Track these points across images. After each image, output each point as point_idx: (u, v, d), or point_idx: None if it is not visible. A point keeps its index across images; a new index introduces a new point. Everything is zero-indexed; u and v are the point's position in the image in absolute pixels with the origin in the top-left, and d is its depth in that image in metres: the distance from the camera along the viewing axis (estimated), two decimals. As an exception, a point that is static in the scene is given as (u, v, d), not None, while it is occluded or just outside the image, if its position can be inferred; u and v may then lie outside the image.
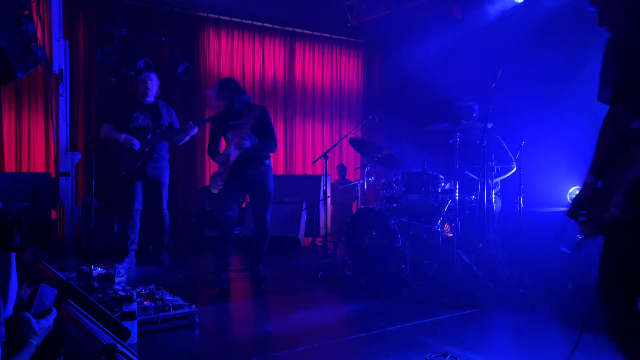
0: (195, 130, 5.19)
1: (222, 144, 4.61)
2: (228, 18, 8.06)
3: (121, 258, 5.20)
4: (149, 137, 5.14)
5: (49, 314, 1.70)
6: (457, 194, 4.44)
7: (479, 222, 4.46)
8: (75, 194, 6.42)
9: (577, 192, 1.93)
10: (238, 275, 4.92)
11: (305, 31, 8.81)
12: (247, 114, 4.39)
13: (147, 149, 5.15)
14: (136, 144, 5.04)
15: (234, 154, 4.34)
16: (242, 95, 4.43)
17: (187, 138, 5.23)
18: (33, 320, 1.62)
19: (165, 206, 5.39)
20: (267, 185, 4.48)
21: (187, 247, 6.50)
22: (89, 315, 1.62)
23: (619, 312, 1.74)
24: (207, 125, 4.89)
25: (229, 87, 4.38)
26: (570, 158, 5.76)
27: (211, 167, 7.89)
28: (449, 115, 4.94)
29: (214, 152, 4.60)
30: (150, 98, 5.20)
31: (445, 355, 2.78)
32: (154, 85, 5.18)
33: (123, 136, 5.01)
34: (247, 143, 4.26)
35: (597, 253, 1.92)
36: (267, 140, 4.44)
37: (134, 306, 2.95)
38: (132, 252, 5.31)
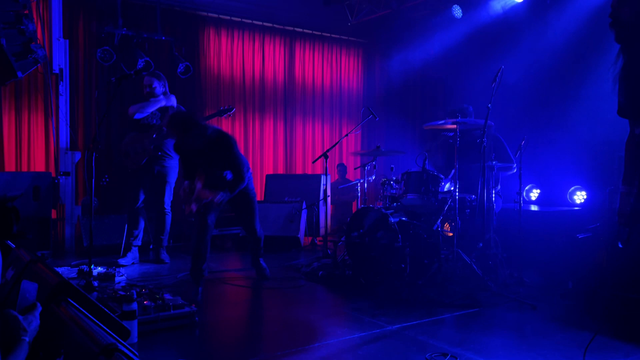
0: None
1: None
2: (228, 17, 8.05)
3: (124, 253, 5.27)
4: (154, 135, 5.20)
5: (33, 308, 1.68)
6: (457, 194, 4.44)
7: (479, 222, 4.46)
8: (75, 194, 6.42)
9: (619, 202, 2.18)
10: (238, 275, 4.92)
11: (305, 30, 8.81)
12: (210, 151, 4.06)
13: (152, 147, 5.20)
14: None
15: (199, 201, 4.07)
16: (195, 131, 4.02)
17: None
18: (20, 317, 1.61)
19: (167, 205, 5.41)
20: (247, 194, 4.37)
21: (187, 247, 6.50)
22: (89, 315, 1.62)
23: None
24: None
25: (178, 128, 4.02)
26: (571, 158, 5.77)
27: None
28: (448, 115, 4.94)
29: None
30: (159, 97, 5.33)
31: (445, 355, 2.79)
32: (156, 86, 5.29)
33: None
34: (218, 199, 4.01)
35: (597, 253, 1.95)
36: (233, 177, 4.13)
37: (134, 306, 2.96)
38: (135, 249, 5.35)
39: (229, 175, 4.13)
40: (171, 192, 5.44)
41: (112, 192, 6.83)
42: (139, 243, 5.37)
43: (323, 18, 8.51)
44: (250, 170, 4.40)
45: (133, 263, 5.30)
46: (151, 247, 5.91)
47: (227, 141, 4.09)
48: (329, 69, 9.15)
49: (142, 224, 5.37)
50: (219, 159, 4.10)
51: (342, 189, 7.78)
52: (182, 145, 4.14)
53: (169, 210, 5.43)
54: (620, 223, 2.20)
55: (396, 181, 4.96)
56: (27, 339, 1.56)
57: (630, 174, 2.16)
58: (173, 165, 5.40)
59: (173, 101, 5.46)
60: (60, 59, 6.33)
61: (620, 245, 2.31)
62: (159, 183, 5.35)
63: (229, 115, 5.46)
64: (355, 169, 7.89)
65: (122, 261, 5.15)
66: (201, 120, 4.16)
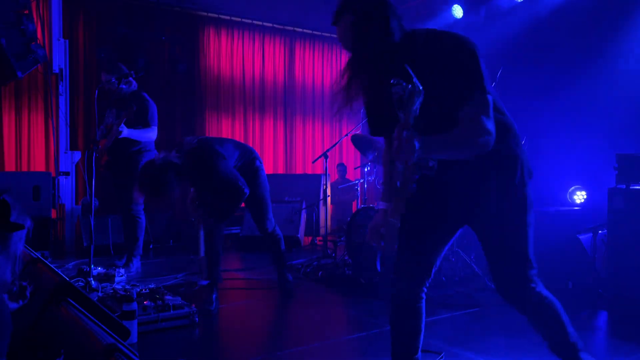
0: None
1: None
2: (228, 17, 8.05)
3: (126, 263, 5.02)
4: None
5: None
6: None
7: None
8: (75, 194, 6.42)
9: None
10: (238, 275, 4.92)
11: (305, 30, 8.81)
12: (196, 183, 3.78)
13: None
14: None
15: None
16: (170, 184, 3.50)
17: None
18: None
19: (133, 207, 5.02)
20: (255, 192, 3.96)
21: (187, 247, 6.50)
22: (89, 315, 1.62)
23: None
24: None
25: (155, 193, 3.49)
26: (571, 157, 5.77)
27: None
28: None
29: None
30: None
31: (438, 353, 2.79)
32: (114, 81, 4.80)
33: None
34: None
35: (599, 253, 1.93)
36: (230, 194, 3.74)
37: (134, 306, 2.95)
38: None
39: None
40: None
41: (112, 192, 6.83)
42: (141, 252, 5.16)
43: (323, 18, 8.49)
44: (260, 159, 4.13)
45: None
46: (151, 246, 5.92)
47: (203, 164, 3.64)
48: (329, 69, 9.15)
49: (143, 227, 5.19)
50: (206, 184, 3.70)
51: (342, 189, 7.78)
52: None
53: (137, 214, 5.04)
54: None
55: (396, 181, 4.95)
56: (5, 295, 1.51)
57: None
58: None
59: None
60: (60, 59, 6.33)
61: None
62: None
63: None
64: (355, 168, 7.90)
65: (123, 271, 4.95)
66: (169, 167, 3.49)
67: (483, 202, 1.91)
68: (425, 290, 2.08)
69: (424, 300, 2.08)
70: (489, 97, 1.75)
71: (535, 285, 1.92)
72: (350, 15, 1.82)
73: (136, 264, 4.97)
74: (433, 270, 2.07)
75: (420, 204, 1.94)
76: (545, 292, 1.94)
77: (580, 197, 5.87)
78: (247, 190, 3.68)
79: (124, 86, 4.81)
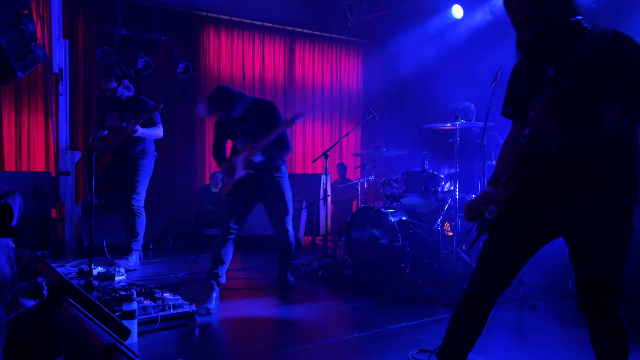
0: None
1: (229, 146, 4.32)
2: (228, 17, 8.05)
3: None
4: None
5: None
6: (457, 193, 4.44)
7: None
8: (75, 193, 6.42)
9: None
10: (238, 275, 4.92)
11: (305, 30, 8.81)
12: (252, 119, 3.96)
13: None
14: None
15: (240, 171, 3.98)
16: (240, 101, 3.91)
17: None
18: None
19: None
20: (282, 193, 4.11)
21: (187, 247, 6.50)
22: (89, 314, 1.62)
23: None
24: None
25: (222, 102, 3.88)
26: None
27: (211, 166, 7.88)
28: (448, 115, 4.94)
29: (218, 156, 4.20)
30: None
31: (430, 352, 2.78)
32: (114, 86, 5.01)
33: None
34: (257, 159, 3.91)
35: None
36: (279, 146, 4.04)
37: (134, 305, 2.95)
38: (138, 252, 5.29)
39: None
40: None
41: (113, 192, 6.84)
42: (140, 248, 5.24)
43: (323, 18, 8.51)
44: (286, 164, 4.26)
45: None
46: (151, 246, 5.92)
47: (274, 108, 4.06)
48: (329, 69, 9.15)
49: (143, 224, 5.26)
50: (265, 128, 3.93)
51: (342, 188, 7.78)
52: (224, 118, 3.99)
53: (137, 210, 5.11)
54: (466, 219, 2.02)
55: (396, 181, 4.96)
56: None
57: (495, 178, 1.99)
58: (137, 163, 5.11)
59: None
60: (60, 59, 6.33)
61: (464, 248, 2.26)
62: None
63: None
64: (355, 168, 7.89)
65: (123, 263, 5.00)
66: (241, 94, 3.96)
67: (595, 215, 1.82)
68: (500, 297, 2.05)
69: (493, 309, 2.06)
70: None
71: (621, 307, 1.92)
72: None
73: (135, 259, 4.99)
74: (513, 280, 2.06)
75: (520, 214, 1.92)
76: (626, 322, 1.94)
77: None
78: (291, 146, 4.13)
79: (124, 90, 5.00)
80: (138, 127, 4.77)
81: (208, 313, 3.59)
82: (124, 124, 4.87)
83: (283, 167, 4.17)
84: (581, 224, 1.86)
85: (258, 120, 3.97)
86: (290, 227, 4.19)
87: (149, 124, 4.95)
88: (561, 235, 1.97)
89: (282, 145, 4.06)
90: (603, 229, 1.82)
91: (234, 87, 4.01)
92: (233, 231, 3.99)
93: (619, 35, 1.76)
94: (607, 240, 1.83)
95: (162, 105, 4.83)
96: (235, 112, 3.90)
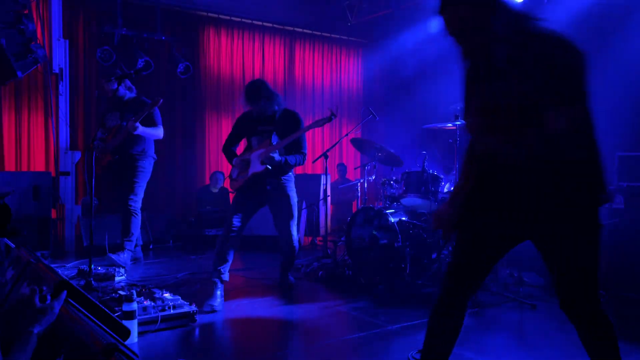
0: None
1: (241, 145, 4.39)
2: (228, 17, 8.05)
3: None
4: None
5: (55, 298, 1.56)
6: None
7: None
8: (75, 194, 6.42)
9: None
10: (238, 275, 4.92)
11: (305, 30, 8.81)
12: (279, 122, 4.06)
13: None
14: None
15: (256, 166, 4.01)
16: (276, 101, 4.08)
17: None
18: (38, 304, 1.52)
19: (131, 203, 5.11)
20: (288, 196, 4.14)
21: (187, 247, 6.50)
22: (89, 315, 1.62)
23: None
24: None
25: (260, 94, 4.00)
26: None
27: (211, 166, 7.88)
28: (448, 115, 4.94)
29: (229, 151, 4.27)
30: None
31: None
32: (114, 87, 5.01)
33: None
34: (276, 157, 3.94)
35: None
36: (296, 153, 4.10)
37: (134, 305, 2.95)
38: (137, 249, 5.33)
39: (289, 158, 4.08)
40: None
41: (112, 192, 6.84)
42: (132, 248, 5.23)
43: (323, 18, 8.51)
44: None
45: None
46: (151, 247, 5.92)
47: (301, 119, 4.20)
48: (329, 69, 9.15)
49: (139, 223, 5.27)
50: (286, 134, 4.02)
51: (342, 188, 7.78)
52: (257, 114, 4.09)
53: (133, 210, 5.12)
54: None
55: (396, 181, 4.96)
56: (35, 330, 1.48)
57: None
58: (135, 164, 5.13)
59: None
60: (60, 59, 6.33)
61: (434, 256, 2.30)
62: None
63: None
64: (355, 168, 7.89)
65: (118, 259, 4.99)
66: (276, 94, 4.16)
67: (555, 217, 1.81)
68: (469, 304, 2.05)
69: (466, 312, 2.05)
70: (586, 107, 1.73)
71: (601, 305, 1.90)
72: (459, 7, 1.79)
73: (127, 257, 4.98)
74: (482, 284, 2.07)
75: (486, 218, 1.93)
76: (608, 316, 1.92)
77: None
78: (306, 155, 4.18)
79: (126, 91, 5.01)
80: (139, 124, 4.78)
81: (212, 310, 3.61)
82: (124, 123, 4.88)
83: (290, 171, 4.20)
84: (544, 228, 1.85)
85: (283, 127, 4.06)
86: (294, 231, 4.20)
87: (150, 123, 4.95)
88: (527, 239, 1.97)
89: (298, 151, 4.13)
90: (567, 230, 1.81)
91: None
92: (235, 229, 3.99)
93: (551, 37, 1.75)
94: (574, 243, 1.83)
95: (161, 100, 4.80)
96: (268, 110, 4.04)
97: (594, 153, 1.81)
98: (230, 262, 4.00)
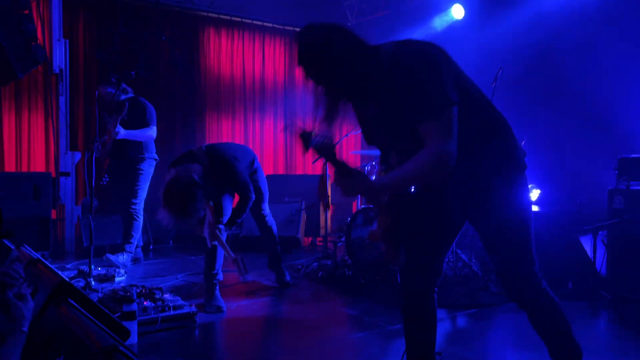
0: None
1: None
2: (228, 17, 8.05)
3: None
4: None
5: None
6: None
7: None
8: (75, 194, 6.42)
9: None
10: (237, 275, 4.91)
11: (305, 30, 8.80)
12: (213, 184, 3.63)
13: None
14: None
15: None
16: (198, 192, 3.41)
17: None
18: (20, 303, 1.54)
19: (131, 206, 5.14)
20: (257, 187, 4.16)
21: (186, 247, 6.50)
22: (89, 315, 1.62)
23: None
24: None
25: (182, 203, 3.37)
26: (570, 157, 5.77)
27: (211, 166, 7.87)
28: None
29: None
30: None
31: (439, 354, 2.79)
32: (111, 91, 5.06)
33: None
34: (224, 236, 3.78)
35: (599, 254, 1.93)
36: (240, 199, 3.87)
37: (134, 306, 2.96)
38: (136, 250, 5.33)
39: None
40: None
41: (112, 192, 6.84)
42: (133, 250, 5.22)
43: (323, 18, 8.47)
44: (257, 157, 4.29)
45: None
46: (151, 247, 5.91)
47: (223, 163, 3.73)
48: (329, 69, 9.13)
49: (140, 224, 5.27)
50: (220, 183, 3.75)
51: (342, 189, 7.77)
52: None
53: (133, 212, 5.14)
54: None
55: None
56: (25, 328, 1.50)
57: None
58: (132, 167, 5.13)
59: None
60: (60, 59, 6.32)
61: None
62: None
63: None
64: (355, 169, 7.89)
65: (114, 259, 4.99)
66: (192, 181, 3.39)
67: (483, 200, 1.90)
68: (436, 289, 2.08)
69: (436, 300, 2.08)
70: (451, 111, 1.69)
71: (541, 281, 1.91)
72: (308, 67, 1.86)
73: (126, 258, 4.99)
74: (443, 268, 2.09)
75: (425, 208, 1.99)
76: (551, 292, 1.94)
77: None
78: (253, 197, 3.82)
79: (121, 94, 5.03)
80: (120, 128, 4.73)
81: (220, 310, 3.61)
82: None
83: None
84: (479, 209, 1.92)
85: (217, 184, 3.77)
86: (266, 212, 4.33)
87: (141, 124, 4.93)
88: (467, 220, 2.04)
89: (242, 199, 3.90)
90: (493, 210, 1.88)
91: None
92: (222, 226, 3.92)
93: (400, 53, 1.76)
94: (501, 222, 1.88)
95: (127, 104, 4.75)
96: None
97: (503, 129, 1.91)
98: (221, 260, 3.98)
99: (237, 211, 3.85)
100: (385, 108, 1.82)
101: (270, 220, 4.41)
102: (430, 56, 1.71)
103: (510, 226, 1.87)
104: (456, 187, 1.89)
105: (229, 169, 3.72)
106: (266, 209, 4.37)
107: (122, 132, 4.75)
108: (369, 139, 2.07)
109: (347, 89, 1.83)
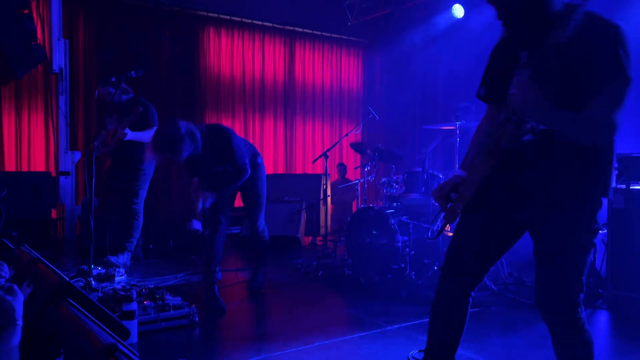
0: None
1: None
2: (228, 17, 8.05)
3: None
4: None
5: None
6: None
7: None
8: (75, 194, 6.42)
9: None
10: (237, 275, 4.91)
11: (305, 30, 8.81)
12: (205, 152, 3.69)
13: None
14: None
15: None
16: (188, 144, 3.53)
17: None
18: (9, 298, 1.53)
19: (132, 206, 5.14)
20: (255, 185, 4.02)
21: (187, 247, 6.50)
22: (89, 315, 1.61)
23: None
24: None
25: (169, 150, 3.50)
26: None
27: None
28: (448, 115, 4.94)
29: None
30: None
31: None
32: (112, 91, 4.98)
33: None
34: (209, 201, 3.75)
35: (599, 254, 1.91)
36: (233, 170, 3.81)
37: (134, 306, 2.96)
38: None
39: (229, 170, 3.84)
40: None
41: (113, 193, 6.83)
42: (132, 249, 5.23)
43: (323, 18, 8.51)
44: (261, 156, 4.19)
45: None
46: (151, 247, 5.90)
47: (221, 134, 3.76)
48: (329, 69, 9.15)
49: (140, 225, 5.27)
50: (215, 155, 3.75)
51: (342, 188, 7.78)
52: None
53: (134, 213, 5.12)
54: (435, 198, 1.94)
55: (396, 181, 4.96)
56: (20, 322, 1.49)
57: (468, 161, 1.95)
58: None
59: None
60: (60, 59, 6.32)
61: (429, 236, 2.18)
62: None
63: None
64: (355, 168, 7.89)
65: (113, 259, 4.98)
66: (188, 130, 3.53)
67: (561, 211, 1.76)
68: (473, 294, 1.99)
69: (469, 304, 2.00)
70: (627, 89, 1.67)
71: (580, 313, 1.79)
72: None
73: (126, 258, 4.98)
74: (485, 275, 2.00)
75: (490, 203, 1.87)
76: (588, 328, 1.82)
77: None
78: (249, 171, 3.78)
79: (122, 94, 5.00)
80: (128, 130, 4.74)
81: (220, 310, 3.62)
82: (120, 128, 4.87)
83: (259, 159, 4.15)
84: (544, 219, 1.80)
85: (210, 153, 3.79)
86: (261, 223, 4.15)
87: (145, 126, 4.93)
88: (527, 230, 1.91)
89: (236, 170, 3.88)
90: (564, 227, 1.75)
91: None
92: (220, 227, 3.92)
93: (601, 21, 1.71)
94: (567, 241, 1.76)
95: (141, 109, 4.77)
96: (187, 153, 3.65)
97: (609, 151, 1.78)
98: (219, 260, 3.96)
99: (227, 180, 3.75)
100: (550, 65, 1.69)
101: (265, 234, 4.21)
102: (619, 30, 1.69)
103: (577, 248, 1.76)
104: (543, 184, 1.77)
105: (225, 138, 3.73)
106: (262, 223, 4.17)
107: (129, 134, 4.79)
108: (492, 91, 1.93)
109: (521, 22, 1.78)
